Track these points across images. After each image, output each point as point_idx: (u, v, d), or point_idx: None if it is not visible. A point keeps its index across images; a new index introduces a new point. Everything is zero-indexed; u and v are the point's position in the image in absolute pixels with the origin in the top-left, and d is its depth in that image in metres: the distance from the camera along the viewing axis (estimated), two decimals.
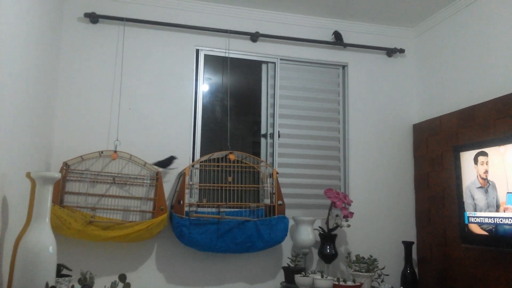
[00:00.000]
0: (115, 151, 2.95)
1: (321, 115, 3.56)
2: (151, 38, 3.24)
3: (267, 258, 3.21)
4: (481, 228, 2.71)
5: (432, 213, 3.34)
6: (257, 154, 3.42)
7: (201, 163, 3.15)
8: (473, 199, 2.79)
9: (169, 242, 3.05)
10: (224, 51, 3.38)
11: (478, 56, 3.05)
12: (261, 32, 3.41)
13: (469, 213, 2.81)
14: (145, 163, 3.02)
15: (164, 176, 3.08)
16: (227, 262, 3.14)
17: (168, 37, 3.28)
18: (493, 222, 2.63)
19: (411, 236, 3.48)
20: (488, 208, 2.68)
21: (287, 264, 3.15)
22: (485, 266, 2.80)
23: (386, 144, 3.59)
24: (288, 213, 3.19)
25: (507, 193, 2.56)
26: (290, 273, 3.01)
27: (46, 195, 1.95)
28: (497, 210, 2.61)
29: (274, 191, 3.12)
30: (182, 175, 3.01)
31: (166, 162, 3.05)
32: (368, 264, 3.01)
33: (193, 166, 3.13)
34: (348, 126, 3.55)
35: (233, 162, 3.12)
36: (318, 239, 3.20)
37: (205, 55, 3.38)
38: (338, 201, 3.13)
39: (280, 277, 3.18)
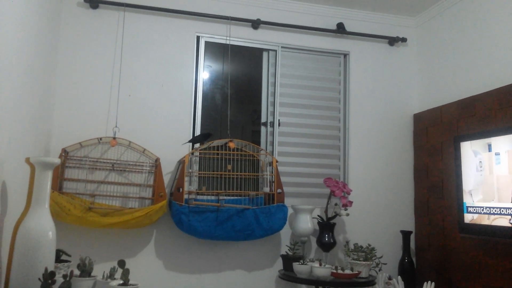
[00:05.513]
0: (114, 138, 2.94)
1: (322, 104, 3.54)
2: (151, 24, 3.21)
3: (266, 246, 3.22)
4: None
5: (430, 203, 3.34)
6: (257, 142, 3.41)
7: (201, 151, 3.14)
8: (472, 189, 2.79)
9: (168, 229, 3.05)
10: (225, 38, 3.35)
11: (479, 46, 3.03)
12: (262, 19, 3.38)
13: (467, 203, 2.81)
14: (144, 149, 3.01)
15: (164, 164, 3.07)
16: (225, 250, 3.15)
17: (169, 23, 3.25)
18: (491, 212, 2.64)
19: (410, 226, 3.49)
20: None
21: (286, 252, 3.16)
22: (482, 256, 2.81)
23: (386, 134, 3.58)
24: (287, 201, 3.19)
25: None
26: (288, 261, 3.03)
27: (46, 180, 1.95)
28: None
29: (273, 180, 3.12)
30: (181, 162, 3.00)
31: (200, 138, 3.04)
32: (366, 253, 3.02)
33: (192, 153, 3.12)
34: (349, 115, 3.54)
35: (233, 150, 3.11)
36: (317, 227, 3.21)
37: (206, 42, 3.35)
38: (337, 190, 3.13)
39: (279, 265, 3.19)
